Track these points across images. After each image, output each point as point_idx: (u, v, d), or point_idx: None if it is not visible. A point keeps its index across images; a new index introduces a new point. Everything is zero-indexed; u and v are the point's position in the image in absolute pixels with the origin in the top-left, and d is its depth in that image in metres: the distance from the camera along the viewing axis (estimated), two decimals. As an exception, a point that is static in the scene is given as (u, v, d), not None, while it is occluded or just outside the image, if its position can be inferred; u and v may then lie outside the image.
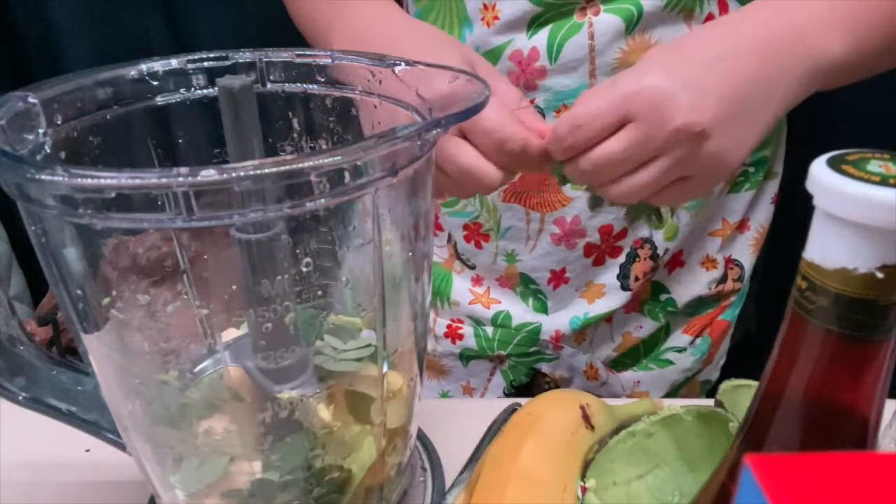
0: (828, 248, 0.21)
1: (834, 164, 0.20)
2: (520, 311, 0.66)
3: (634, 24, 0.53)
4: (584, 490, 0.41)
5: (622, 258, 0.63)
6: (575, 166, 0.42)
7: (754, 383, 0.42)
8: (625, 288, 0.64)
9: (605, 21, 0.53)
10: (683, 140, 0.40)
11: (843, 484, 0.15)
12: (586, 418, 0.44)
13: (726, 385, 0.45)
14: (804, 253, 0.22)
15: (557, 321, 0.66)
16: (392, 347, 0.38)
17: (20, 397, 0.38)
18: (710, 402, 0.45)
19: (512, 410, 0.50)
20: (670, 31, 0.55)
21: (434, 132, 0.32)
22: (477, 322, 0.68)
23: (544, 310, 0.66)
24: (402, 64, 0.39)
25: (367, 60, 0.40)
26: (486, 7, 0.55)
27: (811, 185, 0.21)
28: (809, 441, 0.24)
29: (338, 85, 0.42)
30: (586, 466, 0.42)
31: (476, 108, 0.33)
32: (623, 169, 0.42)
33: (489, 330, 0.67)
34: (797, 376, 0.23)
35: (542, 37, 0.55)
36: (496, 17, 0.55)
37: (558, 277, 0.64)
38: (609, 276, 0.64)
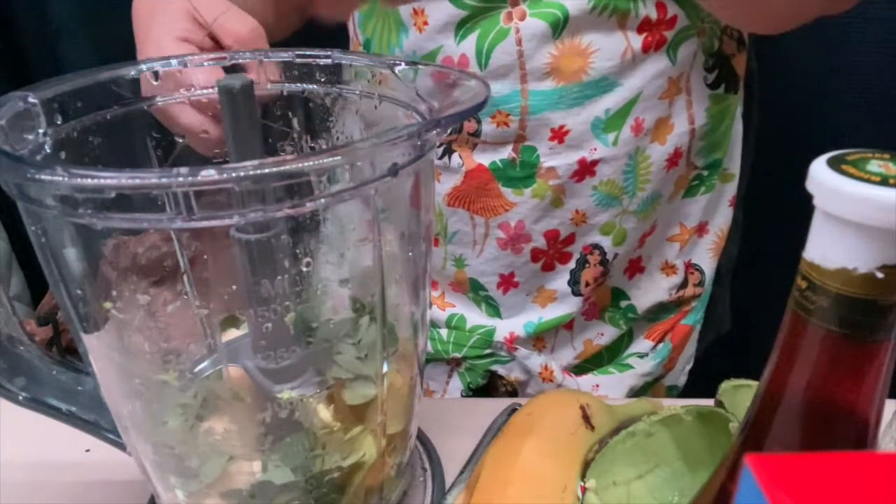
0: (828, 248, 0.21)
1: (834, 164, 0.20)
2: (474, 315, 0.66)
3: (561, 28, 0.53)
4: (584, 490, 0.41)
5: (572, 264, 0.63)
6: None
7: (754, 383, 0.42)
8: (576, 293, 0.64)
9: (532, 26, 0.53)
10: None
11: (843, 484, 0.15)
12: (586, 418, 0.44)
13: (726, 385, 0.45)
14: (804, 253, 0.22)
15: (511, 325, 0.65)
16: (392, 347, 0.38)
17: (20, 397, 0.38)
18: (710, 401, 0.45)
19: (512, 410, 0.50)
20: (603, 35, 0.53)
21: (434, 132, 0.32)
22: (432, 324, 0.67)
23: (498, 314, 0.66)
24: (402, 64, 0.39)
25: (366, 60, 0.40)
26: (416, 12, 0.55)
27: (811, 185, 0.21)
28: (809, 441, 0.24)
29: (338, 85, 0.42)
30: (586, 466, 0.42)
31: (476, 108, 0.33)
32: None
33: (444, 332, 0.66)
34: (797, 376, 0.23)
35: (470, 43, 0.54)
36: (426, 23, 0.55)
37: (507, 282, 0.63)
38: (560, 282, 0.63)
